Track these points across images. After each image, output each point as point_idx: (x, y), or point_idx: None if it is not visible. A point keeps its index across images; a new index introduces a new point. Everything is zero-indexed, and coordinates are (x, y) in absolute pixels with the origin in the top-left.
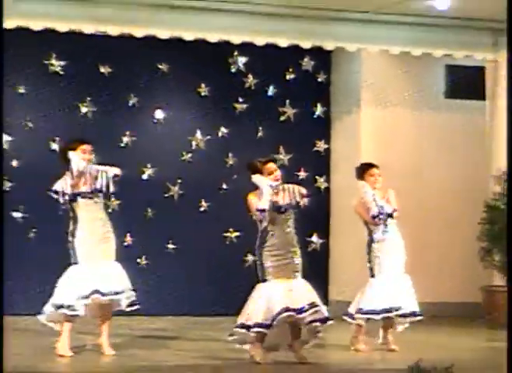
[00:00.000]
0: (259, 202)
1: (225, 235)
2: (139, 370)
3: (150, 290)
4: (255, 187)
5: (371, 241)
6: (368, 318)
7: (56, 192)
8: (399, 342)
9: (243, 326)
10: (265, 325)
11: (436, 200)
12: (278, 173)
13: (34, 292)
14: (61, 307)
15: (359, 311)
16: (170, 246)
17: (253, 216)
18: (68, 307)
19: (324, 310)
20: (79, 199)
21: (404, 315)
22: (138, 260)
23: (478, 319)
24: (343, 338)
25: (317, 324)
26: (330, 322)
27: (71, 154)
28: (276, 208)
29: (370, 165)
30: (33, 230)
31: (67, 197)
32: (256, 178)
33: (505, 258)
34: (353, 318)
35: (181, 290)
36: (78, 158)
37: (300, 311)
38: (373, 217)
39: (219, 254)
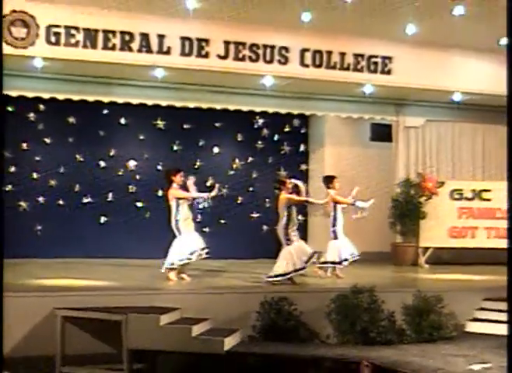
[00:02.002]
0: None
1: (251, 215)
2: (206, 287)
3: (210, 244)
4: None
5: (335, 218)
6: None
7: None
8: (343, 273)
9: (284, 274)
10: (300, 268)
11: (366, 196)
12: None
13: (147, 244)
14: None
15: (332, 263)
16: (222, 221)
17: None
18: (180, 260)
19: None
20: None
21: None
22: (204, 229)
23: (387, 260)
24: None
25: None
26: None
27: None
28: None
29: (334, 177)
30: (148, 213)
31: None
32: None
33: (402, 228)
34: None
35: (227, 244)
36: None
37: (310, 257)
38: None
39: (247, 226)
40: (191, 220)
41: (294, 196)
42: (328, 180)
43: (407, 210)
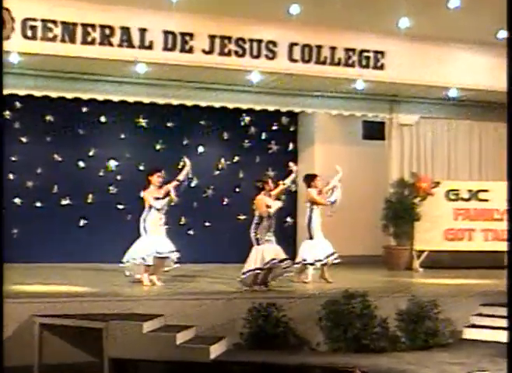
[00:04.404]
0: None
1: (237, 217)
2: (191, 293)
3: (194, 247)
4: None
5: (310, 217)
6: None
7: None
8: (333, 278)
9: (249, 271)
10: (261, 268)
11: (357, 196)
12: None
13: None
14: (139, 258)
15: (304, 261)
16: (206, 224)
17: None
18: (143, 259)
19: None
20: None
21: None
22: (188, 232)
23: (380, 264)
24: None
25: (288, 269)
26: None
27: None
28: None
29: (315, 175)
30: (129, 215)
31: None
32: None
33: (396, 230)
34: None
35: (212, 248)
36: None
37: (281, 261)
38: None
39: (233, 228)
40: (162, 225)
41: (266, 200)
42: (309, 179)
43: (401, 212)
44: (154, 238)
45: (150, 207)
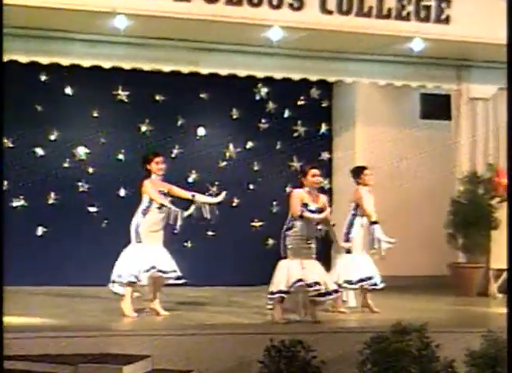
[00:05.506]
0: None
1: (251, 224)
2: (185, 327)
3: (192, 266)
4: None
5: (351, 223)
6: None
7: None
8: (380, 306)
9: (272, 293)
10: (284, 291)
11: (414, 196)
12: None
13: (104, 267)
14: (126, 275)
15: (348, 282)
16: (209, 233)
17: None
18: (134, 276)
19: (326, 287)
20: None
21: (375, 283)
22: (185, 244)
23: (444, 288)
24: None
25: (319, 298)
26: (329, 297)
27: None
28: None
29: (363, 168)
30: (105, 221)
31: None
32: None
33: (466, 242)
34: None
35: (217, 266)
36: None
37: (309, 285)
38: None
39: (246, 239)
40: (161, 229)
41: (305, 197)
42: (357, 173)
43: (473, 217)
44: (150, 248)
45: (151, 202)
